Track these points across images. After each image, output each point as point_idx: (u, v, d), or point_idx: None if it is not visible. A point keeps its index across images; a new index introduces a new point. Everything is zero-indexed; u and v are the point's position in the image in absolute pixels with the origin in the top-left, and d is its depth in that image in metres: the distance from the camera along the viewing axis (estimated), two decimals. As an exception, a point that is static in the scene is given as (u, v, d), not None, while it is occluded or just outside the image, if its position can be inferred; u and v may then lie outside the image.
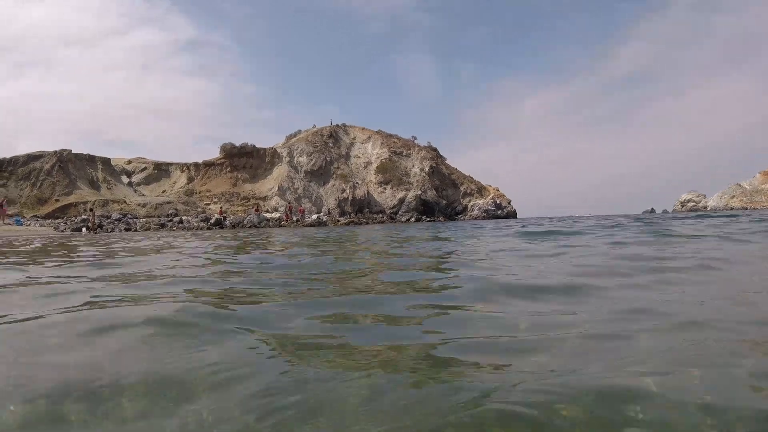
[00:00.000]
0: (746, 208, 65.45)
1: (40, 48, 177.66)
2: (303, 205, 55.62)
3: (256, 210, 50.75)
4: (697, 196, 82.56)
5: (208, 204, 58.65)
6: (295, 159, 62.98)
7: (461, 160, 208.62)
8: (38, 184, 58.87)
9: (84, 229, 39.45)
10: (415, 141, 69.39)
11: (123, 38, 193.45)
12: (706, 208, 77.45)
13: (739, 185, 79.64)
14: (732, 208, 69.08)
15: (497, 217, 60.68)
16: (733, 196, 76.94)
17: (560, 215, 71.10)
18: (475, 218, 59.67)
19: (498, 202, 64.58)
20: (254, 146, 64.43)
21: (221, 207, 54.81)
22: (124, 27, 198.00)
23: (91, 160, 63.24)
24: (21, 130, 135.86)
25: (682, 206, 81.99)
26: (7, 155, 61.28)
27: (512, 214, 63.95)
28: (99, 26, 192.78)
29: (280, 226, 44.36)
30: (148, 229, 41.89)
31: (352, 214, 55.66)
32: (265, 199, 59.47)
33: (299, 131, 69.46)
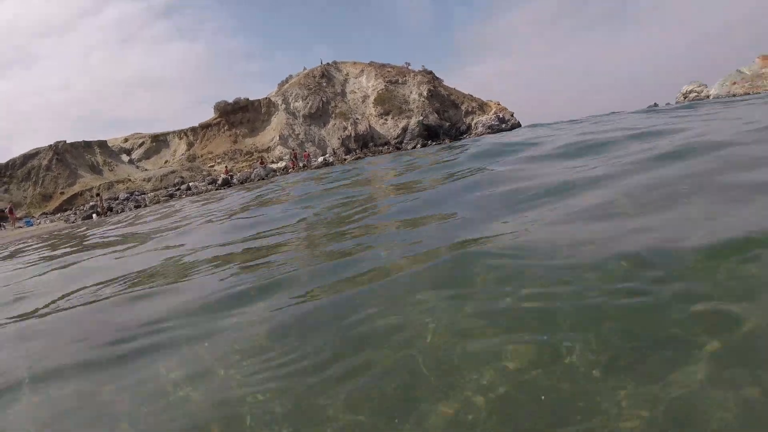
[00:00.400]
0: (749, 94, 64.33)
1: (15, 46, 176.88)
2: (307, 150, 55.64)
3: (261, 163, 50.90)
4: (699, 86, 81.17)
5: (213, 166, 58.74)
6: (291, 105, 62.40)
7: (459, 80, 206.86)
8: (40, 182, 59.07)
9: (94, 215, 39.92)
10: (409, 67, 68.32)
11: (96, 17, 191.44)
12: (708, 97, 76.22)
13: (740, 71, 78.12)
14: (734, 95, 67.90)
15: (501, 130, 60.05)
16: (735, 83, 75.56)
17: (564, 120, 70.39)
18: (480, 135, 59.08)
19: (501, 116, 64.08)
20: (248, 99, 63.76)
21: (226, 166, 54.53)
22: (94, 5, 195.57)
23: (87, 146, 63.21)
24: (14, 132, 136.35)
25: (685, 98, 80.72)
26: (4, 160, 61.54)
27: (516, 126, 63.49)
28: (69, 10, 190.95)
29: (288, 173, 44.61)
30: (158, 202, 42.24)
31: (357, 150, 55.81)
32: (268, 150, 59.28)
33: (290, 76, 68.66)
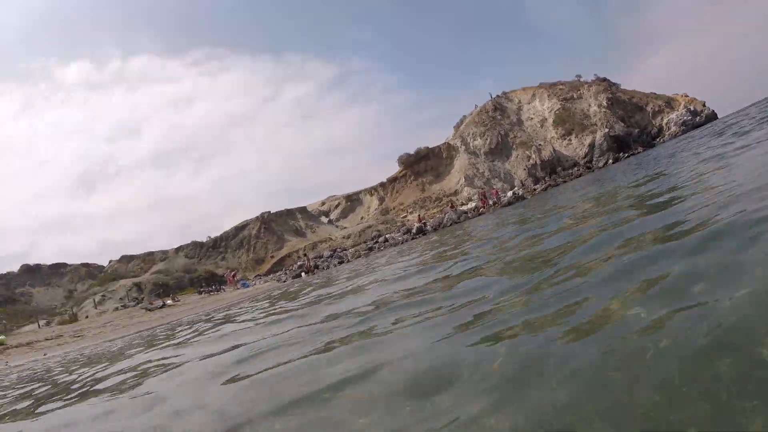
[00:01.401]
0: None
1: (212, 138, 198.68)
2: (494, 186, 56.55)
3: (452, 207, 52.31)
4: None
5: (405, 216, 62.52)
6: (471, 145, 63.82)
7: (636, 79, 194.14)
8: (251, 249, 67.43)
9: (303, 273, 44.08)
10: (581, 79, 67.11)
11: (276, 101, 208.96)
12: None
13: None
14: None
15: (697, 125, 56.79)
16: None
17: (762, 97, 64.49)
18: (675, 135, 56.36)
19: (692, 108, 60.32)
20: (428, 148, 67.41)
21: (418, 215, 57.16)
22: (271, 92, 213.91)
23: (290, 213, 70.88)
24: (224, 211, 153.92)
25: None
26: (218, 233, 71.20)
27: (711, 117, 59.37)
28: (251, 101, 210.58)
29: (480, 214, 45.48)
30: (359, 256, 45.72)
31: (546, 178, 55.68)
32: (455, 193, 61.51)
33: (464, 117, 70.44)
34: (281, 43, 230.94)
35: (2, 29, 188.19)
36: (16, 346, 25.80)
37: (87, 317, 48.11)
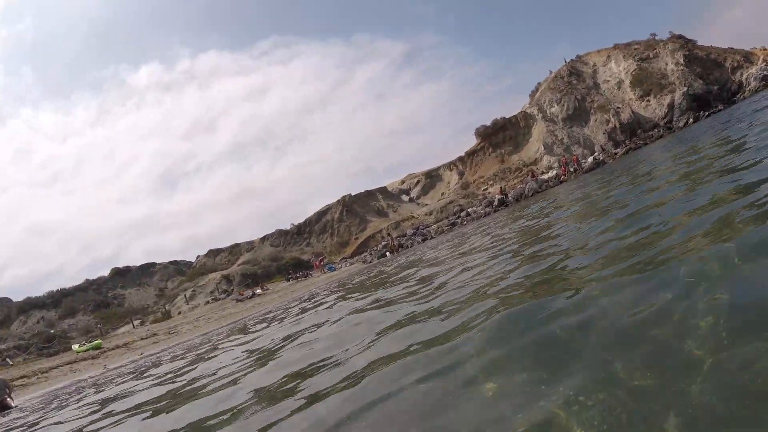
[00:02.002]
0: None
1: (287, 127, 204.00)
2: (574, 153, 58.26)
3: (532, 176, 54.22)
4: None
5: (486, 189, 64.78)
6: (548, 112, 65.27)
7: (711, 34, 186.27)
8: (335, 232, 71.45)
9: (387, 253, 47.57)
10: (656, 37, 67.72)
11: (348, 84, 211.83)
12: None
13: None
14: None
15: (778, 79, 57.13)
16: None
17: None
18: (756, 90, 56.40)
19: None
20: (504, 118, 69.52)
21: (500, 187, 58.83)
22: (343, 75, 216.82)
23: (370, 195, 74.55)
24: (306, 196, 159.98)
25: None
26: (302, 220, 76.06)
27: (793, 69, 59.62)
28: (323, 86, 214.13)
29: (561, 182, 47.85)
30: (442, 232, 48.81)
31: (626, 141, 57.12)
32: (535, 162, 63.31)
33: (539, 84, 72.22)
34: (348, 25, 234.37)
35: (70, 41, 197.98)
36: (113, 349, 28.74)
37: (180, 313, 53.52)
